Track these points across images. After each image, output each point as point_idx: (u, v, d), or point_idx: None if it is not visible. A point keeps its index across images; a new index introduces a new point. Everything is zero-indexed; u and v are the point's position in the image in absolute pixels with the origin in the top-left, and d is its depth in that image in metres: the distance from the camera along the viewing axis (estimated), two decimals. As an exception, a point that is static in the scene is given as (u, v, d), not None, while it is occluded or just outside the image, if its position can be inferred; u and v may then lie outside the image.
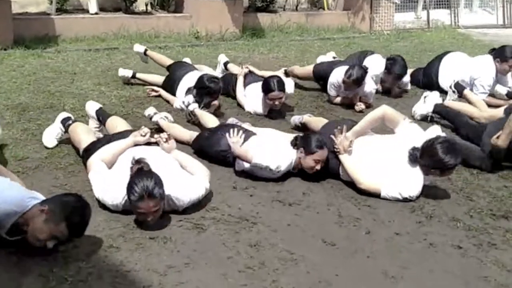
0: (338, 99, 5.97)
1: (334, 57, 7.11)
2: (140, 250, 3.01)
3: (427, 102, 5.55)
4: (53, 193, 3.53)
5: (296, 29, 10.17)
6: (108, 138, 3.94)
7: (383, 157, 3.93)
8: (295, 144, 4.04)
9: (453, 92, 6.09)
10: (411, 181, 3.82)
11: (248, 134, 4.17)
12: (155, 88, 5.69)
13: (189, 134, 4.53)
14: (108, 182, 3.40)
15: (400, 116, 4.17)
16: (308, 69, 6.48)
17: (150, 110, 4.78)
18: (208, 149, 4.23)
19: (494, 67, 6.29)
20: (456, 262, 3.17)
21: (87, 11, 8.42)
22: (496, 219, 3.69)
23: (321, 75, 6.20)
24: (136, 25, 8.54)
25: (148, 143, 3.80)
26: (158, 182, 3.17)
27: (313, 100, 6.12)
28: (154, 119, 4.71)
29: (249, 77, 5.76)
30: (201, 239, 3.19)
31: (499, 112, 5.07)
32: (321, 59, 7.00)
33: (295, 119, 5.08)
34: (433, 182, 4.06)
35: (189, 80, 5.45)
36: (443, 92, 6.25)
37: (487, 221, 3.66)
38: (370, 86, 5.85)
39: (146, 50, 6.33)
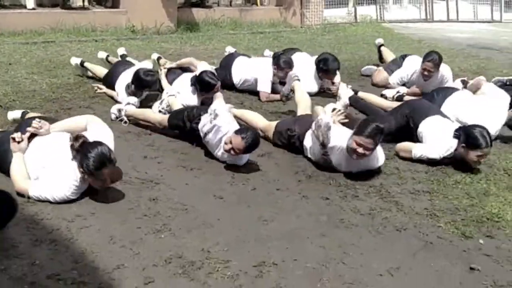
0: None
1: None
2: (53, 204, 3.55)
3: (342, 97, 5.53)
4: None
5: (230, 24, 10.80)
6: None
7: None
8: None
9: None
10: None
11: None
12: (100, 86, 5.91)
13: (160, 116, 4.98)
14: (51, 183, 3.56)
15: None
16: None
17: (114, 110, 5.15)
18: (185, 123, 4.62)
19: (416, 67, 6.72)
20: (321, 209, 3.84)
21: (24, 7, 8.82)
22: (366, 179, 4.38)
23: None
24: (73, 20, 8.99)
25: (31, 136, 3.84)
26: (109, 148, 3.54)
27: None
28: (123, 112, 5.09)
29: (171, 74, 6.03)
30: (107, 195, 3.73)
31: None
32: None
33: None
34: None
35: (127, 76, 5.68)
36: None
37: (357, 180, 4.35)
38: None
39: (82, 62, 6.38)
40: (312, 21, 11.64)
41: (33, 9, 8.84)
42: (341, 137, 4.32)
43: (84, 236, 3.24)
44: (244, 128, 4.39)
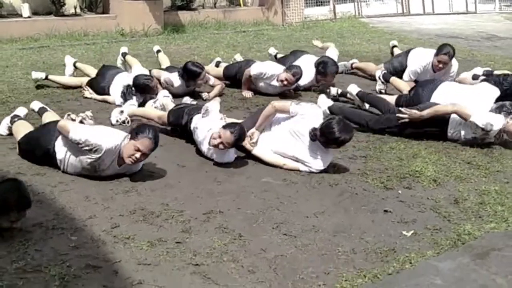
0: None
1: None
2: (40, 175, 4.24)
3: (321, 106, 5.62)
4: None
5: (214, 24, 11.47)
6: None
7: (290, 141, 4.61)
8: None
9: (382, 82, 6.82)
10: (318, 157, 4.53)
11: None
12: (90, 90, 6.26)
13: (161, 112, 5.38)
14: (102, 132, 4.18)
15: (287, 102, 4.73)
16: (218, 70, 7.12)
17: (115, 113, 5.44)
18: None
19: (428, 59, 6.76)
20: (270, 172, 4.51)
21: (20, 15, 9.56)
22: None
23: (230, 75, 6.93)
24: (67, 26, 9.71)
25: None
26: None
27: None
28: (125, 114, 5.38)
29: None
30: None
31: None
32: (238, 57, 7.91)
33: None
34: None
35: (120, 80, 6.15)
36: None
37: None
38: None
39: (47, 76, 6.60)
40: (293, 19, 12.30)
41: (29, 17, 9.57)
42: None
43: (64, 197, 3.92)
44: (231, 123, 4.57)
